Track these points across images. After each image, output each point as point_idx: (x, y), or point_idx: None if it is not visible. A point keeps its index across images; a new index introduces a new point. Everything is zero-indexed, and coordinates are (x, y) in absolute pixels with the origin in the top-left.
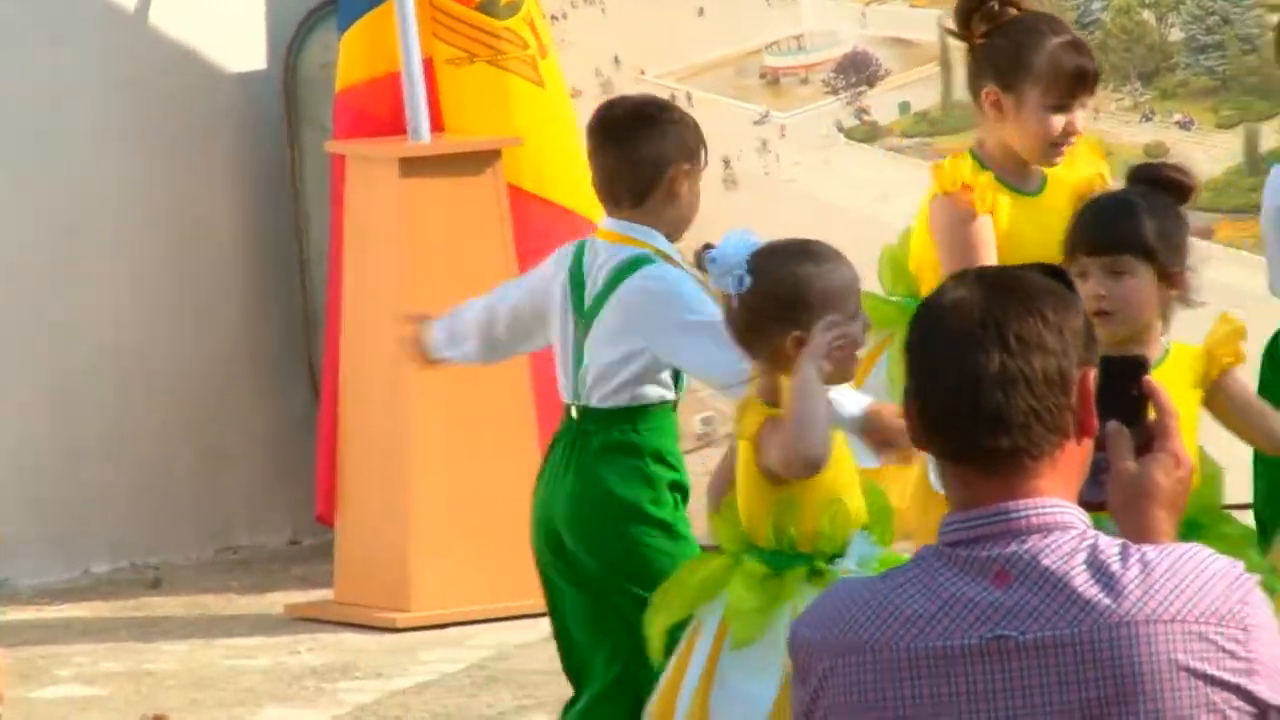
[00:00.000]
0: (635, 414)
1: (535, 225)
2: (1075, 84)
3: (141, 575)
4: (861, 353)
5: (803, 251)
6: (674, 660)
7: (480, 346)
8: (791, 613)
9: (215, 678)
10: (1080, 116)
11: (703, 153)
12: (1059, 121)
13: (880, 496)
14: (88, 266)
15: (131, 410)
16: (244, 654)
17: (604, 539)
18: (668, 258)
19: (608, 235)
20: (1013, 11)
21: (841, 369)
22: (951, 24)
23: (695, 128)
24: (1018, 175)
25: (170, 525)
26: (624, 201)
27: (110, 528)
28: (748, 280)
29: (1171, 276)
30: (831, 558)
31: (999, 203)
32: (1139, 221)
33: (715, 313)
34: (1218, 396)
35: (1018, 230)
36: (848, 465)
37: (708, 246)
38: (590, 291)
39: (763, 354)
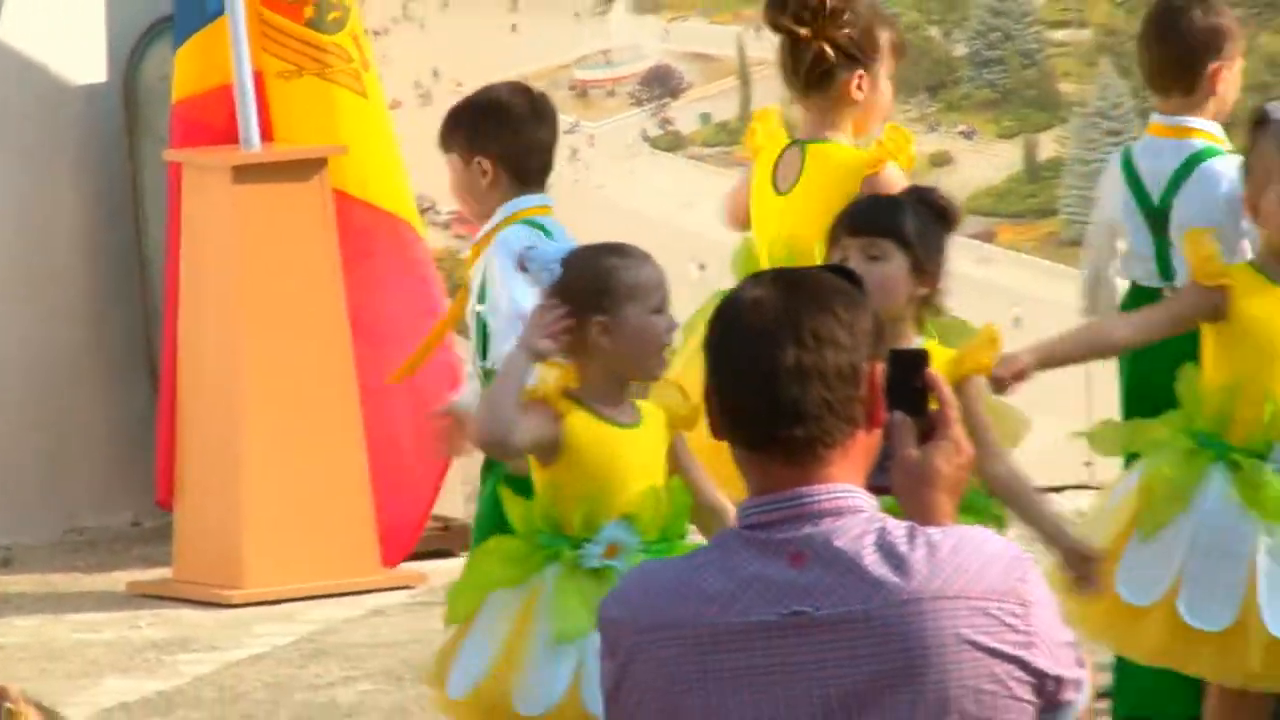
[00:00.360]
0: None
1: (357, 228)
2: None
3: None
4: (670, 350)
5: (611, 248)
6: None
7: None
8: (534, 592)
9: (63, 650)
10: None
11: None
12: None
13: (682, 493)
14: None
15: None
16: (89, 628)
17: None
18: None
19: None
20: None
21: (647, 364)
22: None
23: None
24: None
25: (21, 509)
26: None
27: None
28: (558, 271)
29: (925, 272)
30: (582, 542)
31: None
32: (902, 213)
33: None
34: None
35: None
36: (633, 454)
37: (530, 247)
38: None
39: (572, 342)
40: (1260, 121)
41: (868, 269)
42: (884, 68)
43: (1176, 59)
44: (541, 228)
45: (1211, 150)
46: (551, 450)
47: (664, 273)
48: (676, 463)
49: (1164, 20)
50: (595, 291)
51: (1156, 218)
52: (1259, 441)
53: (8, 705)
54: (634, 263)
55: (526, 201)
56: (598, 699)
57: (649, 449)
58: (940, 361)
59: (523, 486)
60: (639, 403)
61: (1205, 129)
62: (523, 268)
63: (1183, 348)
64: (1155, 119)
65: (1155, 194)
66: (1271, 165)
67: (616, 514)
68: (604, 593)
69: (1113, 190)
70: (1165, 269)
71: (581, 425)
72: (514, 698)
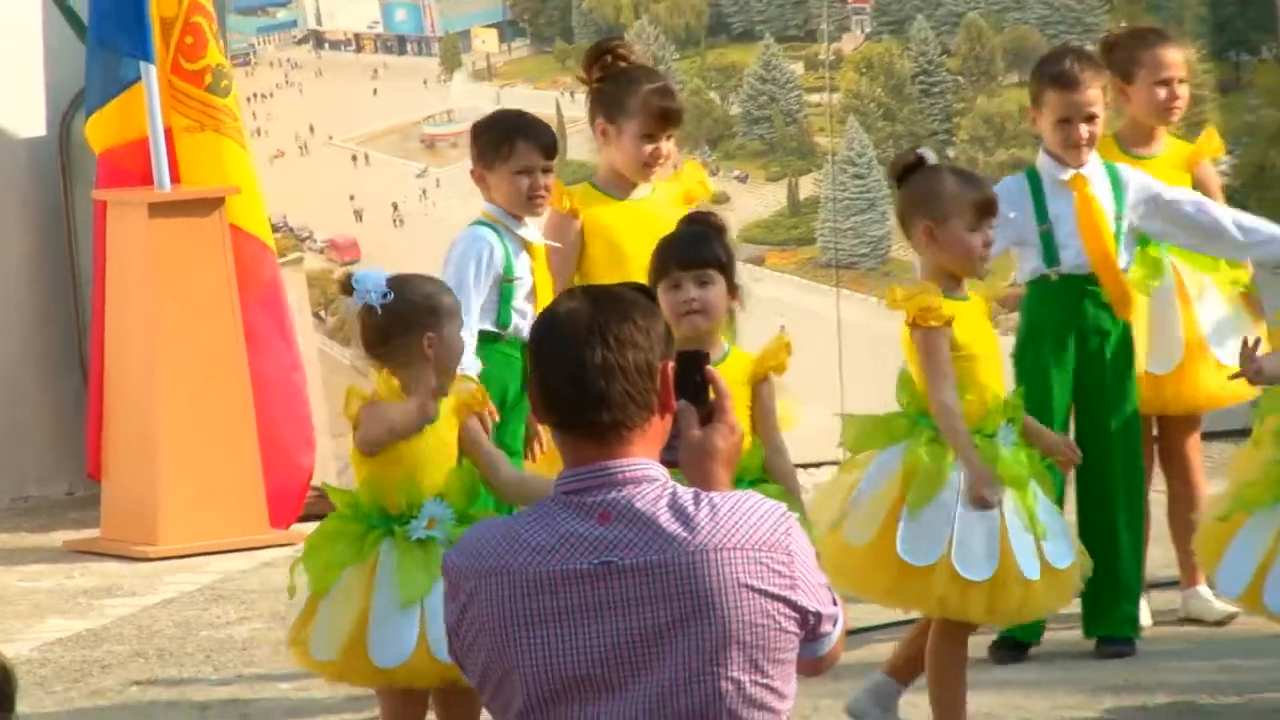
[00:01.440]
0: None
1: (243, 251)
2: (660, 119)
3: None
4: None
5: (429, 278)
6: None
7: None
8: (372, 565)
9: (12, 596)
10: (665, 144)
11: None
12: (649, 147)
13: (470, 473)
14: None
15: None
16: (33, 578)
17: None
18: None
19: None
20: (622, 64)
21: (455, 375)
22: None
23: None
24: (620, 188)
25: None
26: None
27: None
28: (390, 295)
29: (733, 288)
30: (408, 519)
31: (599, 208)
32: (716, 245)
33: None
34: (754, 396)
35: (618, 225)
36: (436, 443)
37: (349, 275)
38: None
39: (400, 353)
40: (918, 163)
41: (701, 293)
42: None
43: None
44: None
45: None
46: (376, 445)
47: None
48: (469, 443)
49: None
50: (429, 310)
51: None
52: (987, 424)
53: None
54: (446, 289)
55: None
56: (443, 647)
57: (445, 437)
58: (744, 362)
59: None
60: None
61: None
62: (348, 288)
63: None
64: None
65: None
66: (954, 202)
67: (430, 493)
68: (431, 558)
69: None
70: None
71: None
72: (372, 654)
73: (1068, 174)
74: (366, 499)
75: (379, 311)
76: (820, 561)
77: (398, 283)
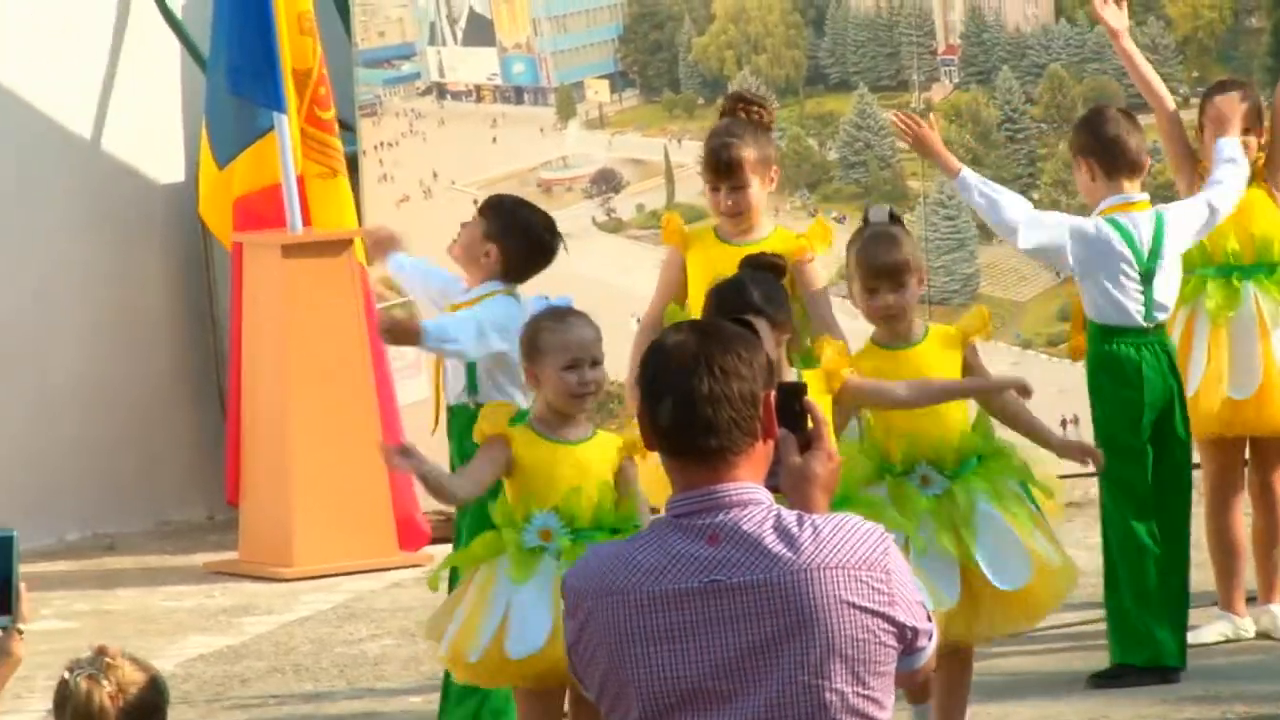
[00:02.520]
0: None
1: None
2: (712, 170)
3: (101, 542)
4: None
5: (552, 313)
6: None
7: None
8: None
9: (155, 615)
10: (731, 195)
11: None
12: (714, 196)
13: (598, 496)
14: (64, 320)
15: (93, 423)
16: (175, 598)
17: None
18: None
19: None
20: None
21: (561, 404)
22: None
23: None
24: (731, 233)
25: (123, 505)
26: None
27: (79, 507)
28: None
29: (779, 326)
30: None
31: (709, 249)
32: (747, 291)
33: None
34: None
35: (722, 266)
36: (568, 464)
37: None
38: None
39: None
40: (864, 223)
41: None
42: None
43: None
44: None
45: None
46: (508, 467)
47: (595, 331)
48: (621, 481)
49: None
50: (529, 346)
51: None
52: (948, 459)
53: (106, 659)
54: (561, 327)
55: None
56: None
57: (589, 461)
58: (812, 377)
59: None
60: (600, 432)
61: None
62: None
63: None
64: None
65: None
66: (854, 266)
67: (547, 506)
68: (535, 568)
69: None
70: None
71: (524, 443)
72: (507, 647)
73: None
74: (500, 510)
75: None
76: None
77: (532, 316)
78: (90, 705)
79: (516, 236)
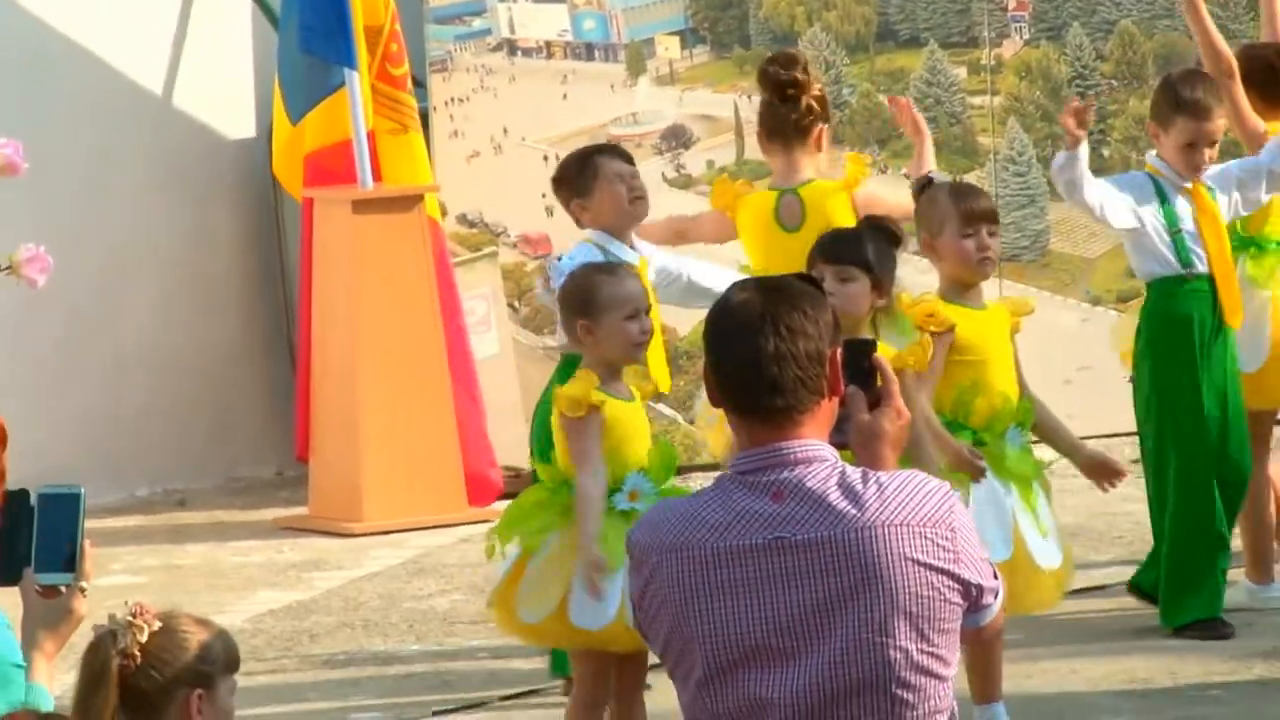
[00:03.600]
0: None
1: (437, 240)
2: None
3: (171, 497)
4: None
5: (600, 267)
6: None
7: None
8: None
9: (225, 570)
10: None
11: None
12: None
13: (668, 449)
14: (134, 279)
15: (164, 380)
16: (245, 553)
17: None
18: None
19: None
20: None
21: (626, 356)
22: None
23: None
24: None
25: (193, 462)
26: None
27: (151, 463)
28: (559, 281)
29: (881, 288)
30: (612, 492)
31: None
32: (864, 245)
33: None
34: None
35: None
36: (636, 422)
37: (558, 257)
38: None
39: (569, 336)
40: (928, 184)
41: (840, 289)
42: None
43: None
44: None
45: None
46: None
47: (642, 287)
48: None
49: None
50: (583, 300)
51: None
52: (996, 425)
53: (129, 619)
54: (617, 279)
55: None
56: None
57: (643, 416)
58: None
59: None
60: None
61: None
62: (546, 278)
63: (1190, 353)
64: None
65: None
66: (945, 213)
67: (634, 467)
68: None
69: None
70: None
71: (610, 406)
72: (572, 617)
73: (1187, 183)
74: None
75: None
76: None
77: (575, 269)
78: (94, 661)
79: None
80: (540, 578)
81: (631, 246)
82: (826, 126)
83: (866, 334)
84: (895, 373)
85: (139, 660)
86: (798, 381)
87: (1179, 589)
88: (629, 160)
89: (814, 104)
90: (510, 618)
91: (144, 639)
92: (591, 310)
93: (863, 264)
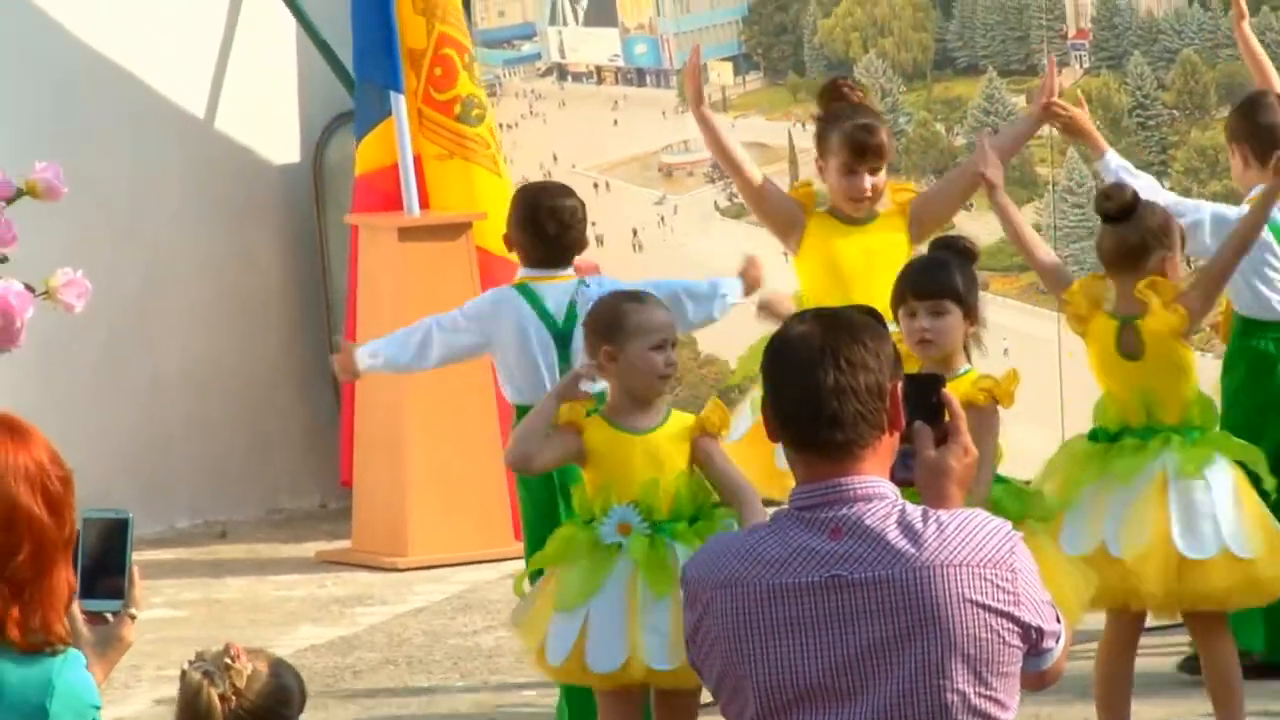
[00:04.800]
0: None
1: (494, 274)
2: (857, 154)
3: (212, 529)
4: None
5: (629, 295)
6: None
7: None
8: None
9: (267, 604)
10: (869, 179)
11: None
12: (850, 181)
13: (694, 484)
14: (175, 303)
15: (205, 408)
16: (287, 587)
17: None
18: None
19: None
20: (845, 101)
21: (647, 387)
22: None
23: None
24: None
25: (233, 493)
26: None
27: (190, 494)
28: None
29: (971, 314)
30: (590, 521)
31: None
32: (953, 275)
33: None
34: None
35: (839, 247)
36: (643, 453)
37: (583, 283)
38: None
39: (593, 362)
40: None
41: (936, 323)
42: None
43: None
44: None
45: None
46: (580, 457)
47: (670, 318)
48: (701, 458)
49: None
50: (606, 326)
51: None
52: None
53: (227, 659)
54: (644, 308)
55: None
56: (599, 659)
57: (662, 449)
58: (966, 383)
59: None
60: (674, 411)
61: None
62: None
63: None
64: None
65: None
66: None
67: (626, 499)
68: (610, 570)
69: None
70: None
71: (598, 434)
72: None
73: None
74: (579, 501)
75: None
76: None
77: (604, 296)
78: (198, 702)
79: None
80: (610, 625)
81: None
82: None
83: (962, 364)
84: (963, 407)
85: (234, 703)
86: (858, 416)
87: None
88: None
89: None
90: (580, 674)
91: (242, 683)
92: (617, 337)
93: (955, 295)
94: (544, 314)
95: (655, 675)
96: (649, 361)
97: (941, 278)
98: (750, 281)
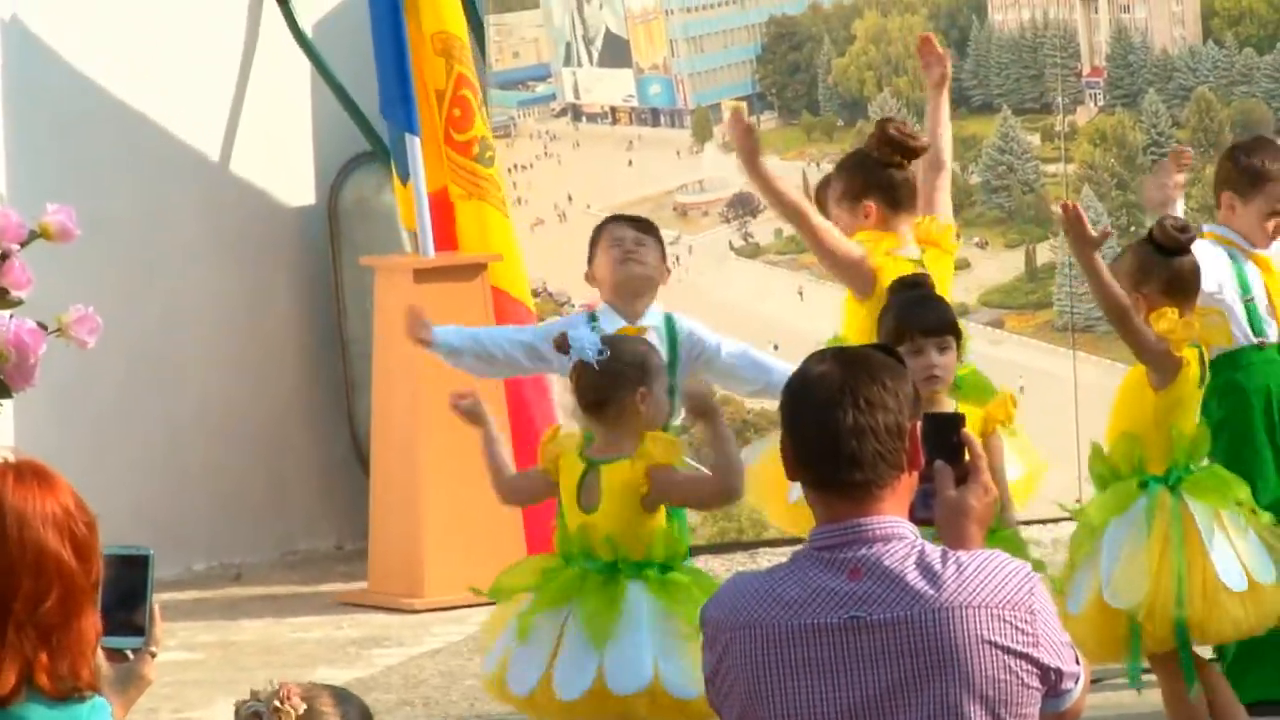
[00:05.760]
0: None
1: (506, 313)
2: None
3: (227, 571)
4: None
5: (639, 339)
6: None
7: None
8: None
9: (282, 647)
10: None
11: None
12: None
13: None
14: (190, 345)
15: (220, 450)
16: (303, 629)
17: None
18: None
19: None
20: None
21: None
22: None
23: None
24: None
25: (249, 534)
26: None
27: (205, 536)
28: (606, 351)
29: (959, 348)
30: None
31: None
32: (948, 310)
33: None
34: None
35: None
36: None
37: (564, 335)
38: None
39: (613, 409)
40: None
41: (942, 359)
42: None
43: None
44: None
45: None
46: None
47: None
48: (661, 492)
49: None
50: (637, 369)
51: None
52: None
53: (276, 703)
54: (654, 350)
55: None
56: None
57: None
58: (973, 419)
59: None
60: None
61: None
62: (563, 347)
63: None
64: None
65: None
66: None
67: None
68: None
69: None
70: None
71: (566, 470)
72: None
73: (1257, 253)
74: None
75: (595, 369)
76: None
77: (610, 342)
78: None
79: None
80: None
81: (635, 312)
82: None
83: (947, 400)
84: (989, 434)
85: None
86: (877, 456)
87: (1246, 664)
88: (642, 228)
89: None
90: (503, 690)
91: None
92: (650, 379)
93: (956, 331)
94: None
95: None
96: (664, 404)
97: (945, 314)
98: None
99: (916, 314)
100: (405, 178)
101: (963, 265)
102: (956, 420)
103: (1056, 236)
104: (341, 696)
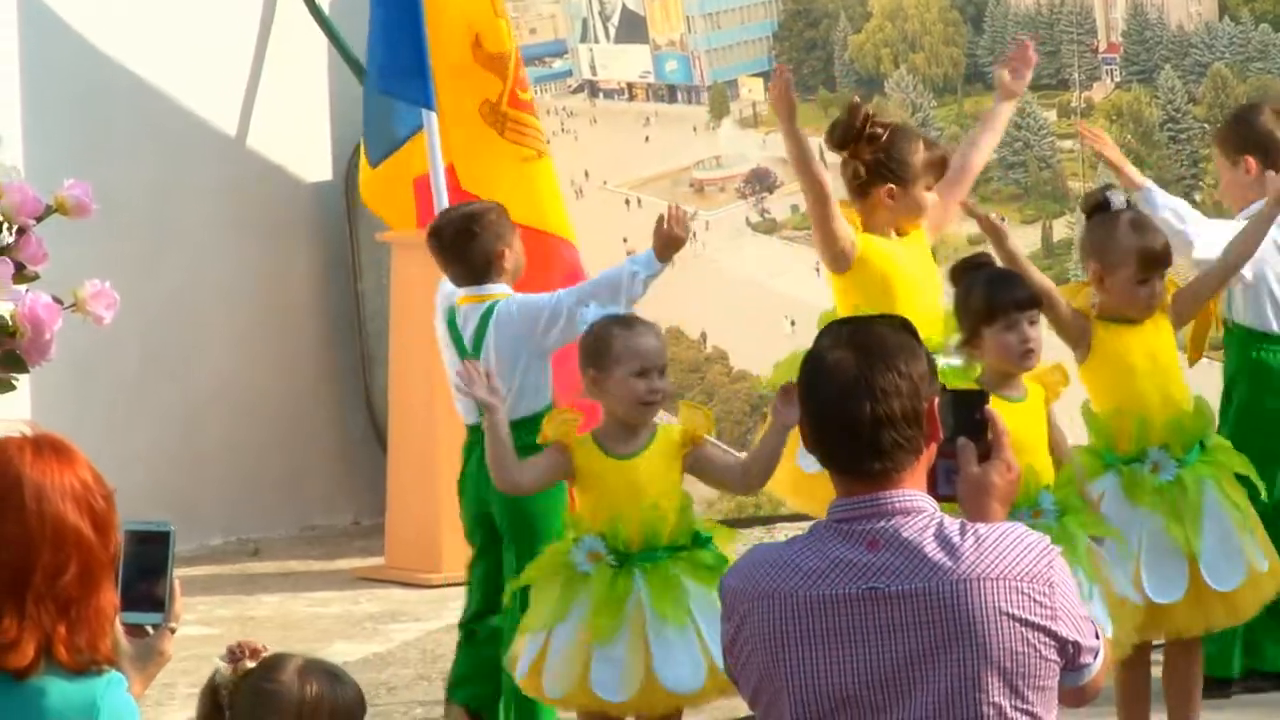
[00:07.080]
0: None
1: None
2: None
3: (245, 547)
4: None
5: (620, 320)
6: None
7: None
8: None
9: (300, 621)
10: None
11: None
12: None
13: (650, 512)
14: (206, 323)
15: (238, 428)
16: (320, 604)
17: None
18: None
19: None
20: (880, 130)
21: (629, 413)
22: (835, 148)
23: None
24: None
25: (267, 510)
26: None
27: (223, 512)
28: (581, 330)
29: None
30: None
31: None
32: (1030, 284)
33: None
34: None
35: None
36: (623, 480)
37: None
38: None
39: (587, 382)
40: (1104, 205)
41: (1033, 332)
42: (920, 181)
43: None
44: None
45: None
46: (570, 475)
47: (662, 343)
48: (698, 469)
49: None
50: (594, 351)
51: None
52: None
53: (246, 662)
54: (632, 333)
55: None
56: (551, 683)
57: (641, 477)
58: (1034, 391)
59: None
60: (660, 427)
61: None
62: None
63: None
64: None
65: None
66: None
67: (597, 529)
68: (577, 596)
69: None
70: None
71: (586, 456)
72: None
73: None
74: (569, 521)
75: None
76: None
77: (598, 320)
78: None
79: None
80: (565, 651)
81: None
82: (894, 186)
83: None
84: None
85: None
86: (895, 444)
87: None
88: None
89: (860, 168)
90: (539, 692)
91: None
92: (602, 362)
93: (1039, 304)
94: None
95: (608, 705)
96: (630, 388)
97: (1029, 288)
98: (666, 242)
99: (1008, 290)
100: (376, 161)
101: (979, 241)
102: (980, 397)
103: (1073, 212)
104: (334, 675)
